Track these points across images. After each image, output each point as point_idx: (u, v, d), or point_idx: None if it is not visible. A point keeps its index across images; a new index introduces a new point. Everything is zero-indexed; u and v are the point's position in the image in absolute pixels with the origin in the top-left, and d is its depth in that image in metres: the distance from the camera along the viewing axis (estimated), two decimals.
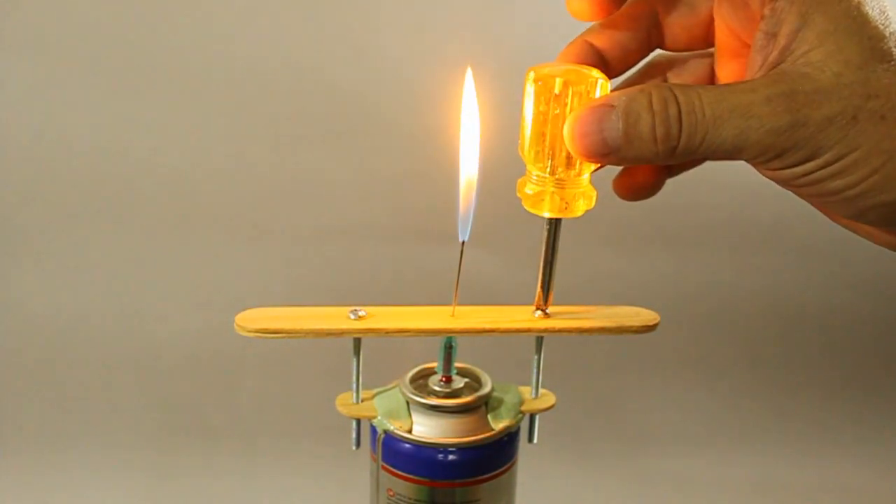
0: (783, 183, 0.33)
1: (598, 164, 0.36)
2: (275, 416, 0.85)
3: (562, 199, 0.37)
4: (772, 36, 0.32)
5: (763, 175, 0.34)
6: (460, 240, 0.42)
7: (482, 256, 0.93)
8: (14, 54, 0.94)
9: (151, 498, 0.74)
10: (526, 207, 0.38)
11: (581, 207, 0.38)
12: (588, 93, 0.35)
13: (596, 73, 0.36)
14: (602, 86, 0.35)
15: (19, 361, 0.88)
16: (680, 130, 0.32)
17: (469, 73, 0.40)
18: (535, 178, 0.37)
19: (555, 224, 0.39)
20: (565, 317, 0.42)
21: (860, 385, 0.96)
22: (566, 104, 0.35)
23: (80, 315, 0.92)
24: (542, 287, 0.41)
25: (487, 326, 0.41)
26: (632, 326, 0.42)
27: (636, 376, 0.94)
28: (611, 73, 0.39)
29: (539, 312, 0.42)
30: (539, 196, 0.38)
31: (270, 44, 0.97)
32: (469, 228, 0.41)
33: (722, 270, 1.03)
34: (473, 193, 0.41)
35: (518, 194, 0.39)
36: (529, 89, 0.36)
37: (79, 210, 0.95)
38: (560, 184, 0.37)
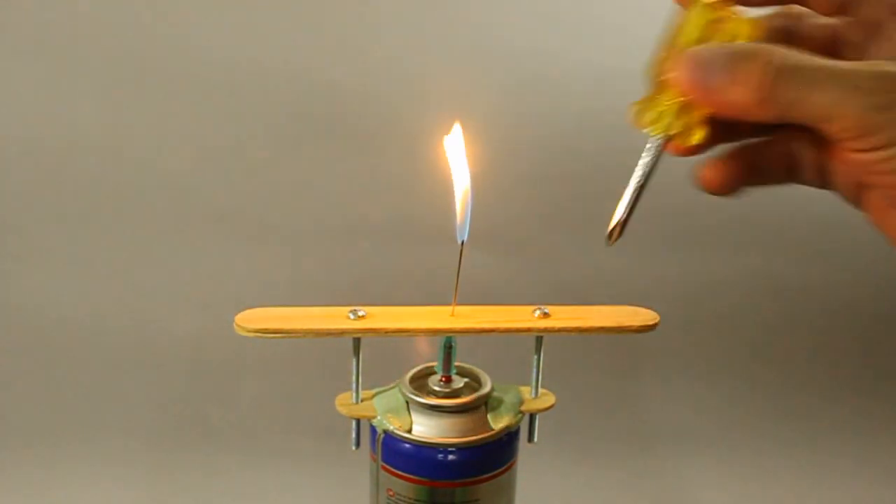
0: (860, 168, 0.33)
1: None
2: (275, 416, 0.85)
3: (687, 121, 0.37)
4: None
5: (840, 159, 0.34)
6: (459, 240, 0.42)
7: (482, 256, 0.93)
8: (14, 54, 0.94)
9: (151, 497, 0.74)
10: (641, 126, 0.38)
11: (694, 138, 0.38)
12: (742, 31, 0.36)
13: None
14: (755, 29, 0.36)
15: (19, 361, 0.88)
16: (776, 82, 0.32)
17: (457, 126, 0.40)
18: (663, 97, 0.37)
19: (661, 146, 0.38)
20: (565, 317, 0.42)
21: (861, 384, 0.96)
22: (724, 27, 0.36)
23: (81, 315, 0.92)
24: (627, 212, 0.39)
25: (487, 326, 0.41)
26: (631, 326, 0.42)
27: (636, 376, 0.94)
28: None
29: (539, 312, 0.42)
30: (660, 114, 0.37)
31: (270, 44, 0.97)
32: (467, 231, 0.42)
33: (722, 270, 1.03)
34: (468, 203, 0.41)
35: (630, 118, 0.38)
36: (693, 12, 0.36)
37: (79, 210, 0.95)
38: (685, 106, 0.37)
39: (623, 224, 0.39)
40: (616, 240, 0.39)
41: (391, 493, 0.43)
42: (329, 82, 0.98)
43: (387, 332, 0.41)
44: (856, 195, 0.36)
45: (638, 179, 0.38)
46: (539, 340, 0.45)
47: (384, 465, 0.43)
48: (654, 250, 1.02)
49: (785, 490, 0.80)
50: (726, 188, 0.39)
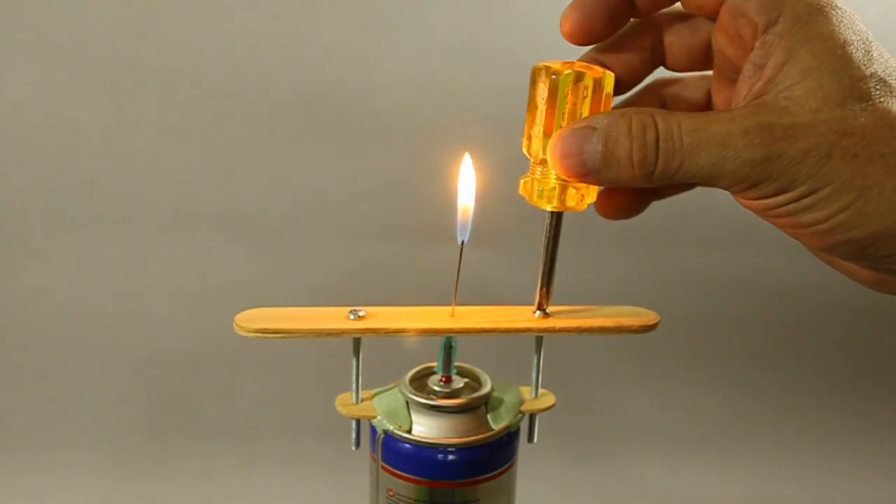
0: (758, 212, 0.34)
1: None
2: (275, 416, 0.85)
3: (576, 190, 0.38)
4: (759, 67, 0.33)
5: (739, 203, 0.34)
6: (459, 240, 0.42)
7: (482, 256, 0.93)
8: (14, 54, 0.94)
9: (150, 497, 0.74)
10: (533, 203, 0.39)
11: (587, 201, 0.39)
12: (599, 84, 0.36)
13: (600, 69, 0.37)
14: (608, 78, 0.36)
15: (19, 361, 0.88)
16: (657, 156, 0.33)
17: (467, 156, 0.41)
18: (540, 172, 0.38)
19: (557, 218, 0.40)
20: (565, 317, 0.42)
21: (860, 385, 0.96)
22: (584, 96, 0.36)
23: (80, 314, 0.92)
24: (544, 284, 0.41)
25: (487, 326, 0.41)
26: (631, 326, 0.42)
27: (636, 376, 0.94)
28: (619, 90, 0.40)
29: (539, 312, 0.42)
30: (547, 190, 0.38)
31: (271, 44, 0.97)
32: (468, 232, 0.42)
33: (722, 270, 1.03)
34: (469, 216, 0.41)
35: (521, 192, 0.39)
36: (542, 85, 0.36)
37: (79, 210, 0.95)
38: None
39: (546, 295, 0.42)
40: (545, 307, 0.42)
41: (391, 493, 0.43)
42: (329, 83, 0.98)
43: (387, 332, 0.41)
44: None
45: (545, 254, 0.41)
46: (539, 340, 0.45)
47: (384, 465, 0.43)
48: (654, 250, 1.02)
49: (784, 489, 0.80)
50: (625, 214, 0.40)
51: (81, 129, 0.96)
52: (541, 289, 0.42)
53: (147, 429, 0.83)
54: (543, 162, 0.37)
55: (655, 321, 0.43)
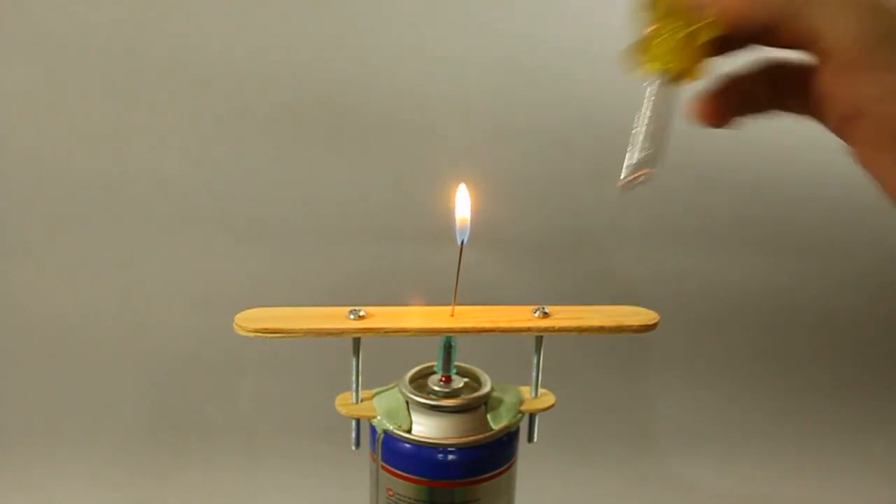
0: (848, 92, 0.33)
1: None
2: (275, 415, 0.85)
3: (697, 48, 0.36)
4: None
5: (826, 84, 0.34)
6: (459, 240, 0.42)
7: (482, 256, 0.93)
8: (14, 55, 0.94)
9: (151, 497, 0.74)
10: (646, 65, 0.36)
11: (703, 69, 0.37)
12: None
13: None
14: None
15: (19, 361, 0.88)
16: None
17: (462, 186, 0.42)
18: (667, 32, 0.36)
19: (666, 84, 0.37)
20: (565, 316, 0.42)
21: (860, 384, 0.96)
22: None
23: (80, 315, 0.92)
24: (651, 151, 0.36)
25: (487, 326, 0.42)
26: (631, 326, 0.42)
27: (636, 376, 0.94)
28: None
29: (539, 312, 0.42)
30: (667, 50, 0.36)
31: (270, 43, 0.97)
32: (467, 233, 0.42)
33: (722, 270, 1.03)
34: (468, 223, 0.41)
35: (629, 55, 0.37)
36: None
37: (79, 210, 0.95)
38: (687, 38, 0.36)
39: (640, 167, 0.35)
40: (630, 185, 0.35)
41: (391, 492, 0.43)
42: (329, 82, 0.98)
43: (387, 332, 0.41)
44: (842, 127, 0.36)
45: (648, 121, 0.36)
46: (539, 340, 0.45)
47: (384, 465, 0.43)
48: (655, 250, 1.02)
49: (784, 490, 0.80)
50: (718, 119, 0.39)
51: (80, 129, 0.96)
52: (640, 158, 0.36)
53: (147, 428, 0.83)
54: (657, 21, 0.35)
55: (655, 321, 0.43)
